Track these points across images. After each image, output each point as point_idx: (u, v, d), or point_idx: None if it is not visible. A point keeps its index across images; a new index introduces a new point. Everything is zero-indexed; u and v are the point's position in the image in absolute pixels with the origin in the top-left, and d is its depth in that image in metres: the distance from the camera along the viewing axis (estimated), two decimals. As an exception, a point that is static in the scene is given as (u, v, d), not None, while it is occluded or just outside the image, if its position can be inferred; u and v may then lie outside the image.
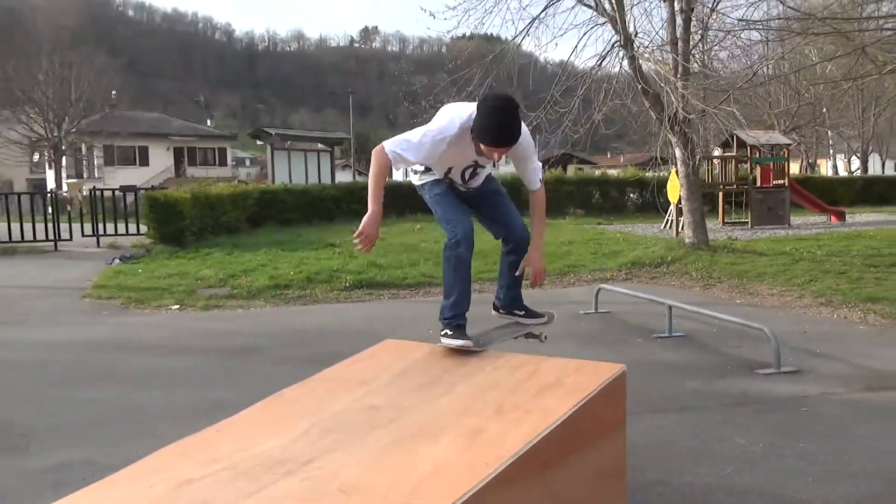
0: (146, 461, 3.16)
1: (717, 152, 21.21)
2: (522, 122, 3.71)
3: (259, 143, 37.78)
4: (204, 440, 3.29)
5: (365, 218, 3.67)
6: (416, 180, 4.08)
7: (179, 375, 6.83)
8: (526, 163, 3.90)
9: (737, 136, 19.56)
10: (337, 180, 27.88)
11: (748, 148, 20.20)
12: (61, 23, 42.22)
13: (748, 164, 20.90)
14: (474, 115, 3.60)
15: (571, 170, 38.95)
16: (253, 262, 13.31)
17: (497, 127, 3.53)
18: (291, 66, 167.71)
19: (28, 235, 17.90)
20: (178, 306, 10.36)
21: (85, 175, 49.51)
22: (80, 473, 4.03)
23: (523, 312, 4.28)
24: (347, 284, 11.54)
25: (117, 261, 14.58)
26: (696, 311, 7.73)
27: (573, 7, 13.24)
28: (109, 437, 4.91)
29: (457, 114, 3.71)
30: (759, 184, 20.63)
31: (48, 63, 37.85)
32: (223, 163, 58.21)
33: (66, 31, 38.23)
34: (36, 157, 46.37)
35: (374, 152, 3.74)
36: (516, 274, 4.12)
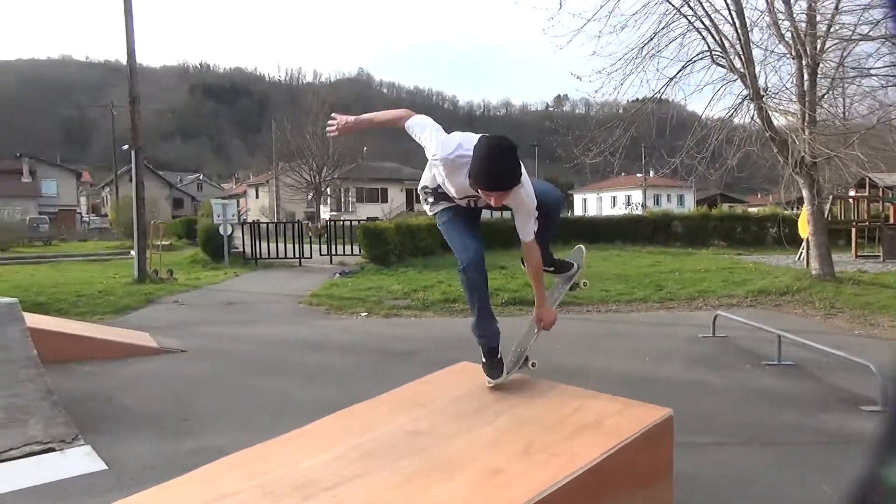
0: (207, 468, 2.75)
1: (852, 192, 18.46)
2: (523, 170, 2.85)
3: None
4: (263, 452, 2.83)
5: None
6: (428, 211, 3.37)
7: (342, 372, 6.55)
8: (519, 214, 3.01)
9: (869, 178, 16.91)
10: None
11: (880, 189, 17.40)
12: (326, 98, 45.07)
13: (881, 202, 17.98)
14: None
15: (725, 208, 35.74)
16: (433, 280, 13.02)
17: (489, 171, 2.71)
18: (500, 126, 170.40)
19: (282, 254, 18.83)
20: (366, 313, 10.23)
21: (342, 209, 52.52)
22: (205, 459, 3.73)
23: (552, 268, 3.69)
24: (504, 301, 10.90)
25: (337, 275, 14.87)
26: (799, 342, 6.35)
27: (709, 67, 11.86)
28: (252, 425, 4.61)
29: (462, 141, 2.93)
30: (891, 220, 17.67)
31: (313, 127, 40.56)
32: (442, 200, 59.36)
33: (327, 104, 40.81)
34: (310, 196, 49.85)
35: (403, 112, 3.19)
36: (535, 332, 3.46)
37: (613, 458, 2.46)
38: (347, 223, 20.22)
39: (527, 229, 3.07)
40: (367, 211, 47.95)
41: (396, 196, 56.90)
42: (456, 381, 3.39)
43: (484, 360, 3.24)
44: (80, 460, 3.84)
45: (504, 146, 2.75)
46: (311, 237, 22.20)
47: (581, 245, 4.03)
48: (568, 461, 2.39)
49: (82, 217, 57.54)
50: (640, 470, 2.62)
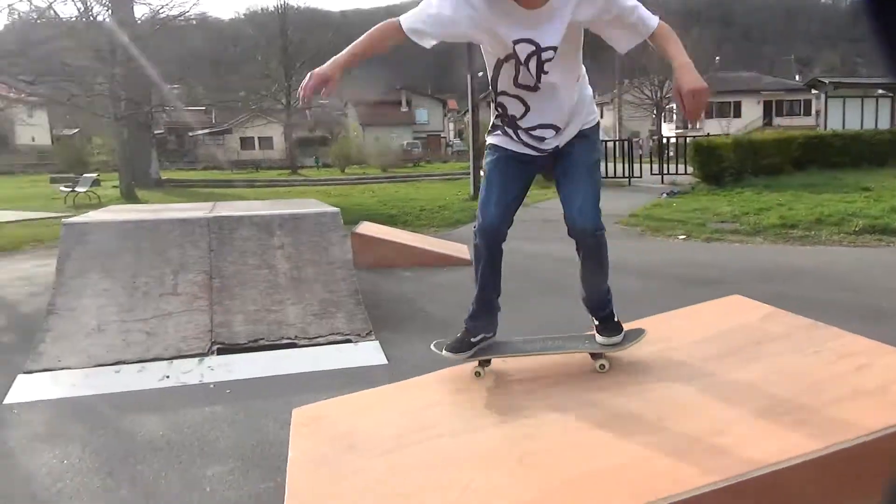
0: (431, 377, 2.83)
1: None
2: None
3: (814, 91, 32.36)
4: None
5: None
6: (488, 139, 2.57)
7: (631, 296, 6.09)
8: (609, 6, 2.14)
9: None
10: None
11: None
12: (673, 6, 41.93)
13: None
14: None
15: None
16: (771, 202, 11.38)
17: None
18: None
19: (611, 173, 18.43)
20: (684, 237, 9.46)
21: (688, 126, 49.28)
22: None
23: (600, 321, 2.58)
24: (857, 229, 9.04)
25: (664, 195, 14.02)
26: None
27: None
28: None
29: None
30: None
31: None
32: (807, 113, 51.58)
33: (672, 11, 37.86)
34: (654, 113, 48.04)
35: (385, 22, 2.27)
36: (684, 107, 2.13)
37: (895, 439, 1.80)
38: (675, 140, 18.85)
39: (635, 17, 2.18)
40: (715, 127, 44.19)
41: (751, 109, 51.12)
42: (714, 319, 2.87)
43: (458, 335, 2.62)
44: (368, 353, 4.32)
45: None
46: (641, 155, 21.30)
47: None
48: (819, 432, 1.82)
49: (447, 141, 64.27)
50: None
